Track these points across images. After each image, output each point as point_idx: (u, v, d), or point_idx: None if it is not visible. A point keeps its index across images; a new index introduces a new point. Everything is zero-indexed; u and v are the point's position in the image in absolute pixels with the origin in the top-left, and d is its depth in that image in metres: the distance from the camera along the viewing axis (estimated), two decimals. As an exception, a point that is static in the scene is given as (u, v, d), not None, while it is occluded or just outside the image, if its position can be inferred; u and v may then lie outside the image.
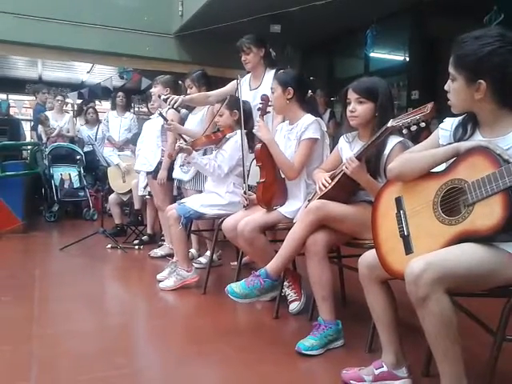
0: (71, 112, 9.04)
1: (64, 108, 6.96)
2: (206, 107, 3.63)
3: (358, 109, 2.15)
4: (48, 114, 6.54)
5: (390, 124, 1.87)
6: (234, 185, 3.09)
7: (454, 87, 1.52)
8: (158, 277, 3.20)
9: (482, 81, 1.44)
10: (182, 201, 3.17)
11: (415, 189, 1.62)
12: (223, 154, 3.07)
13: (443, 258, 1.41)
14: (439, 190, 1.54)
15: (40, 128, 6.45)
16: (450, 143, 1.60)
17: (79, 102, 8.57)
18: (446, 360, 1.44)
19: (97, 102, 8.22)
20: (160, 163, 3.80)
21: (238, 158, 3.03)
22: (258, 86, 3.30)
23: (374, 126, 2.10)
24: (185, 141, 3.23)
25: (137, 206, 4.71)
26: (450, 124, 1.65)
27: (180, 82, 3.89)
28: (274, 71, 3.21)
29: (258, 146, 2.57)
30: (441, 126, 1.68)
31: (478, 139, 1.53)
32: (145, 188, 4.28)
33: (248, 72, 3.42)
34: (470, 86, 1.47)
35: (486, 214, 1.40)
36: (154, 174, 3.88)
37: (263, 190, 2.56)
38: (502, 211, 1.37)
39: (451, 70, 1.52)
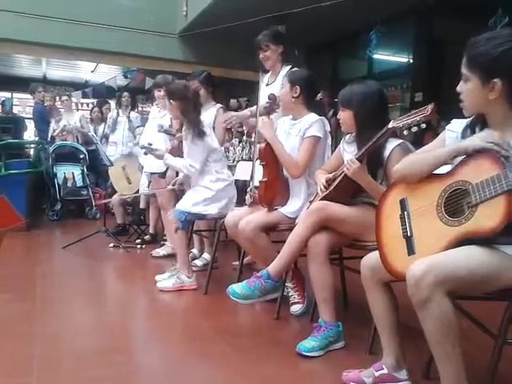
0: (79, 111, 9.04)
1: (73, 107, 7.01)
2: (214, 113, 3.62)
3: (341, 116, 2.25)
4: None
5: (390, 125, 1.88)
6: (216, 172, 3.09)
7: (468, 88, 1.52)
8: (157, 278, 3.19)
9: (496, 80, 1.44)
10: (177, 206, 3.18)
11: (420, 190, 1.62)
12: (189, 150, 3.07)
13: (445, 261, 1.41)
14: (443, 192, 1.54)
15: (52, 125, 6.50)
16: None
17: (92, 101, 8.60)
18: (447, 363, 1.44)
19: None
20: None
21: (208, 147, 3.04)
22: (273, 81, 3.29)
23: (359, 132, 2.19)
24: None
25: (142, 205, 4.71)
26: (457, 125, 1.65)
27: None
28: (289, 67, 3.20)
29: (262, 144, 2.58)
30: (448, 127, 1.67)
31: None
32: (148, 187, 4.28)
33: (267, 71, 3.38)
34: (484, 86, 1.47)
35: (489, 215, 1.40)
36: (161, 173, 3.88)
37: (265, 189, 2.56)
38: (506, 212, 1.36)
39: (464, 70, 1.52)
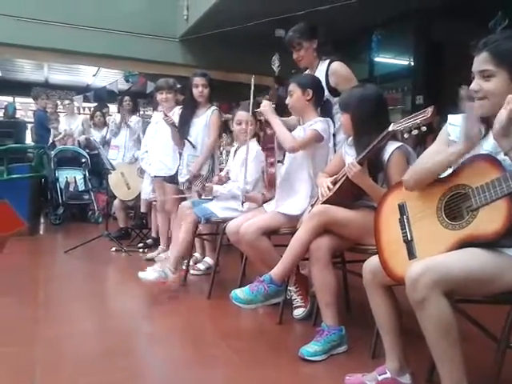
0: (82, 115, 9.06)
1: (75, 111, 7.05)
2: (210, 111, 3.63)
3: (341, 119, 2.30)
4: (61, 118, 6.61)
5: (391, 128, 1.88)
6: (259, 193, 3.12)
7: (494, 84, 1.47)
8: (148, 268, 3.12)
9: None
10: (202, 202, 3.20)
11: (419, 194, 1.63)
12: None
13: (442, 262, 1.42)
14: (443, 196, 1.55)
15: (52, 132, 6.54)
16: None
17: (92, 105, 8.63)
18: (446, 364, 1.44)
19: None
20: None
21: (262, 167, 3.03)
22: None
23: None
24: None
25: (143, 209, 4.72)
26: (458, 119, 1.63)
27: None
28: (328, 61, 2.91)
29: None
30: (449, 121, 1.66)
31: (492, 142, 1.49)
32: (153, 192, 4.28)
33: (305, 69, 3.12)
34: None
35: (491, 219, 1.41)
36: (169, 178, 3.87)
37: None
38: (507, 215, 1.37)
39: (490, 66, 1.46)
